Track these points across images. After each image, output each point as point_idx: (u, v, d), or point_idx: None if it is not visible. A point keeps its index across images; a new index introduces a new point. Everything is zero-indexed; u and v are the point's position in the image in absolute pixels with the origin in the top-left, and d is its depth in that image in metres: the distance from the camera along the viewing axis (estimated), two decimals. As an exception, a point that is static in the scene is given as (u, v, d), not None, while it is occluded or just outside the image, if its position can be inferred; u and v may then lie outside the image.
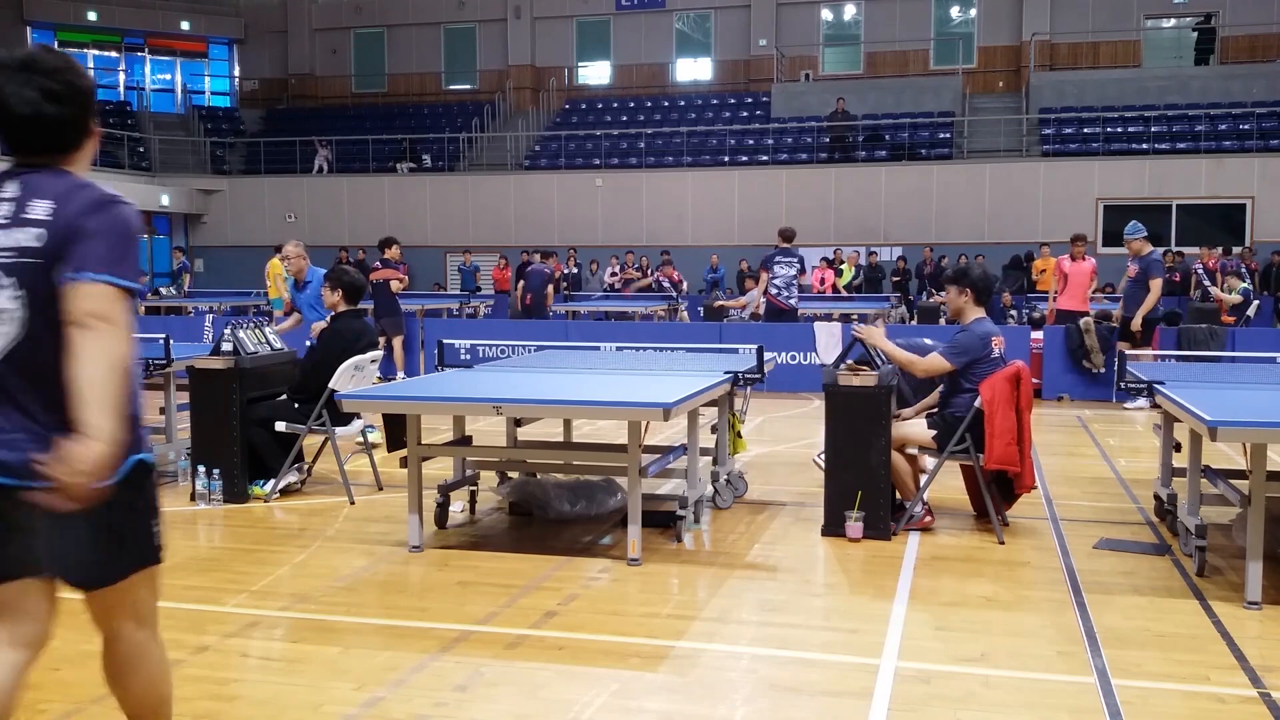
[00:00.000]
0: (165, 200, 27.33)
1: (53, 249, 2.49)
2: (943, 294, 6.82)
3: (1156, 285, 10.99)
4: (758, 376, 6.77)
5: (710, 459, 6.98)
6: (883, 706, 3.78)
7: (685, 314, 18.84)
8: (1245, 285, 16.68)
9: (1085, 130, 25.04)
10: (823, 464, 7.88)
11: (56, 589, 2.69)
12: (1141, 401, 8.55)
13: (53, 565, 2.60)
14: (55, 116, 2.66)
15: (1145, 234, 11.40)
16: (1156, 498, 6.54)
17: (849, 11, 29.83)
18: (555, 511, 6.46)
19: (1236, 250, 21.70)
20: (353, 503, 6.87)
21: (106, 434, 2.35)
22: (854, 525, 5.92)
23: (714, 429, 7.21)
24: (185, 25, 32.51)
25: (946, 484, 6.64)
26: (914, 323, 17.61)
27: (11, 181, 2.59)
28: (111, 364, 2.39)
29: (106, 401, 2.36)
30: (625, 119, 29.23)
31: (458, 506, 6.64)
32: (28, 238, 2.51)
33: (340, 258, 23.87)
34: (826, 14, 29.96)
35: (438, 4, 31.82)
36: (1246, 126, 24.02)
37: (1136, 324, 10.80)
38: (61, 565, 2.60)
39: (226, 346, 7.08)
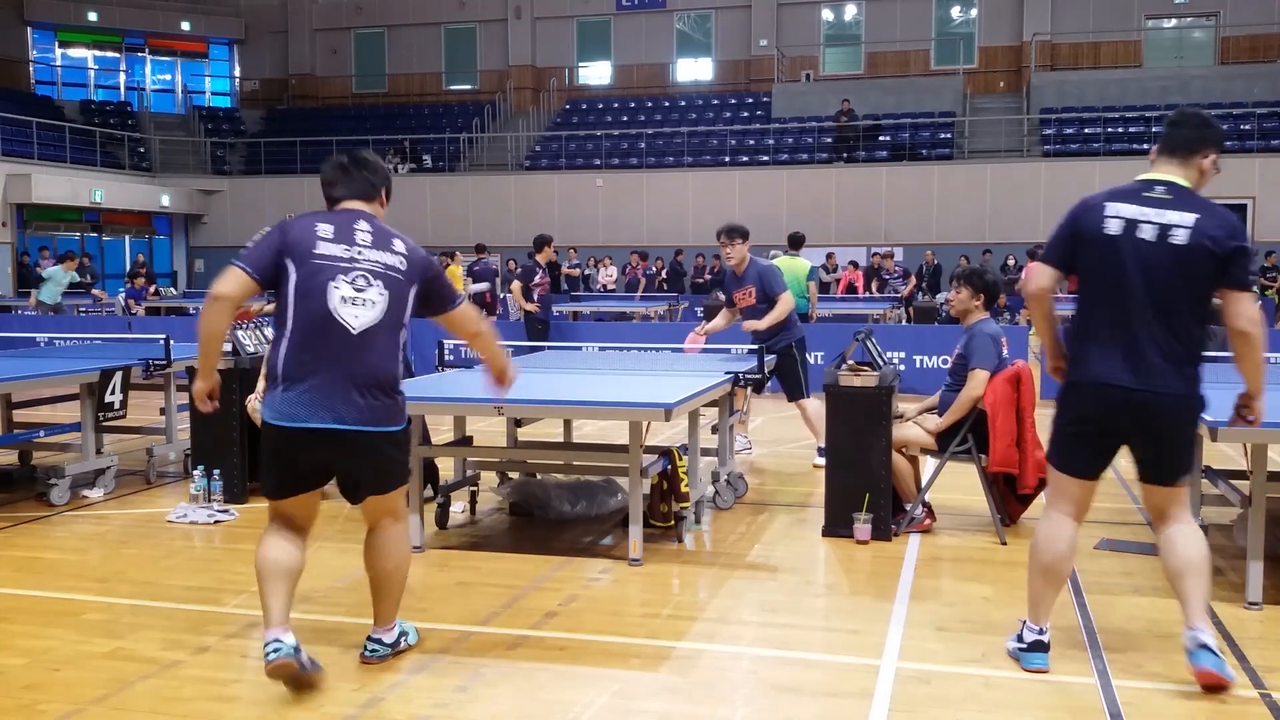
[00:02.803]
0: (165, 201, 27.34)
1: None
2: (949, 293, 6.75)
3: None
4: (758, 377, 6.76)
5: (711, 459, 6.98)
6: (883, 707, 3.78)
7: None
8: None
9: (1086, 130, 25.05)
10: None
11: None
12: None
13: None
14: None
15: None
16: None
17: (850, 11, 29.84)
18: (556, 512, 6.46)
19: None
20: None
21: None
22: (862, 527, 5.91)
23: (715, 429, 7.21)
24: (185, 25, 32.54)
25: (948, 485, 6.63)
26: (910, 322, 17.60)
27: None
28: None
29: None
30: (626, 119, 29.24)
31: (458, 507, 6.64)
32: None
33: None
34: (827, 14, 29.97)
35: (438, 4, 31.84)
36: (1247, 126, 24.02)
37: None
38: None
39: (226, 347, 7.07)
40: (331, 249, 3.77)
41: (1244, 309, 3.77)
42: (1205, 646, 3.85)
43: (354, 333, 3.71)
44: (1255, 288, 16.51)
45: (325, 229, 3.81)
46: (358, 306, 3.73)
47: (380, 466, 3.89)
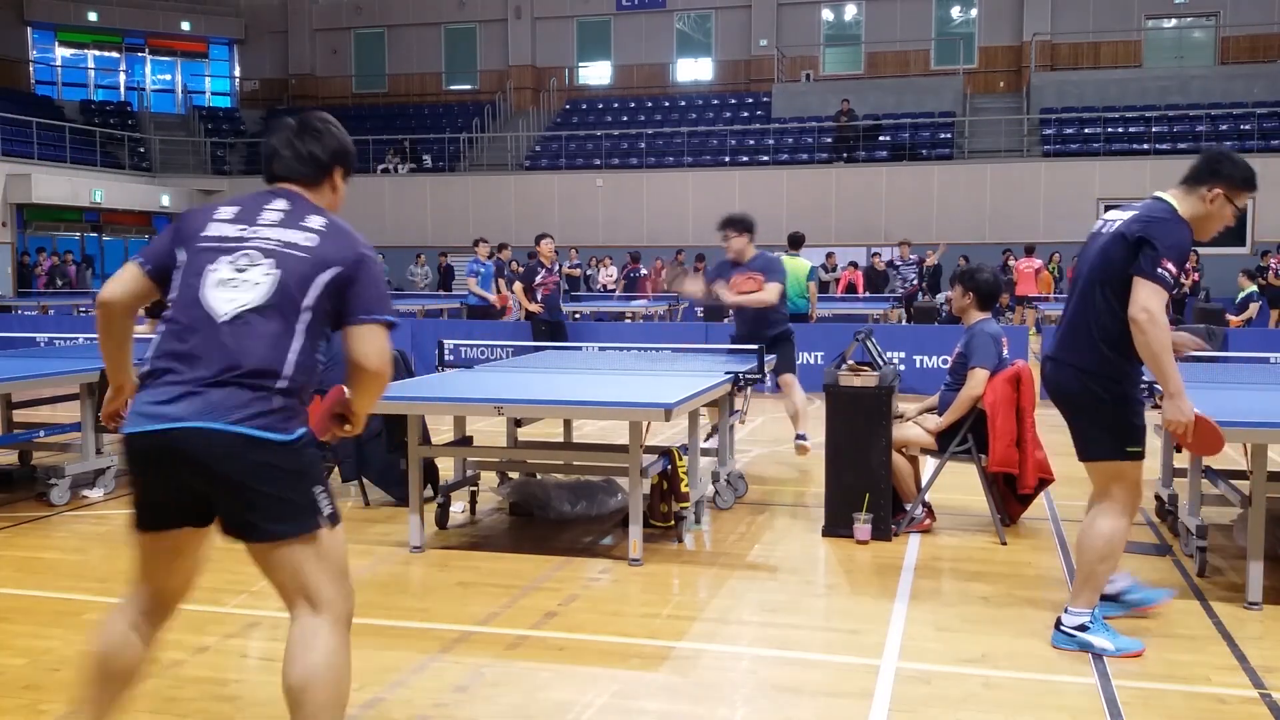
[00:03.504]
0: (165, 200, 27.34)
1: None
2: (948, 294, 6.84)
3: None
4: (758, 377, 6.76)
5: (711, 459, 6.98)
6: (883, 707, 3.78)
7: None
8: (1253, 288, 16.59)
9: (1086, 130, 25.06)
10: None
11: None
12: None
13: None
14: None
15: None
16: (1157, 498, 6.54)
17: (850, 11, 29.86)
18: (556, 512, 6.46)
19: (1241, 251, 21.69)
20: (367, 504, 6.87)
21: None
22: (862, 527, 5.91)
23: (715, 429, 7.21)
24: (185, 25, 32.57)
25: (948, 485, 6.63)
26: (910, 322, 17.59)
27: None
28: None
29: None
30: (626, 119, 29.25)
31: (458, 507, 6.64)
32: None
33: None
34: (827, 14, 29.98)
35: (438, 4, 31.86)
36: (1247, 126, 24.02)
37: None
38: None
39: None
40: (223, 229, 2.93)
41: (1138, 295, 4.00)
42: (1058, 625, 4.35)
43: (220, 319, 2.80)
44: (1256, 288, 16.41)
45: (226, 210, 2.99)
46: (233, 289, 2.84)
47: (255, 491, 2.80)
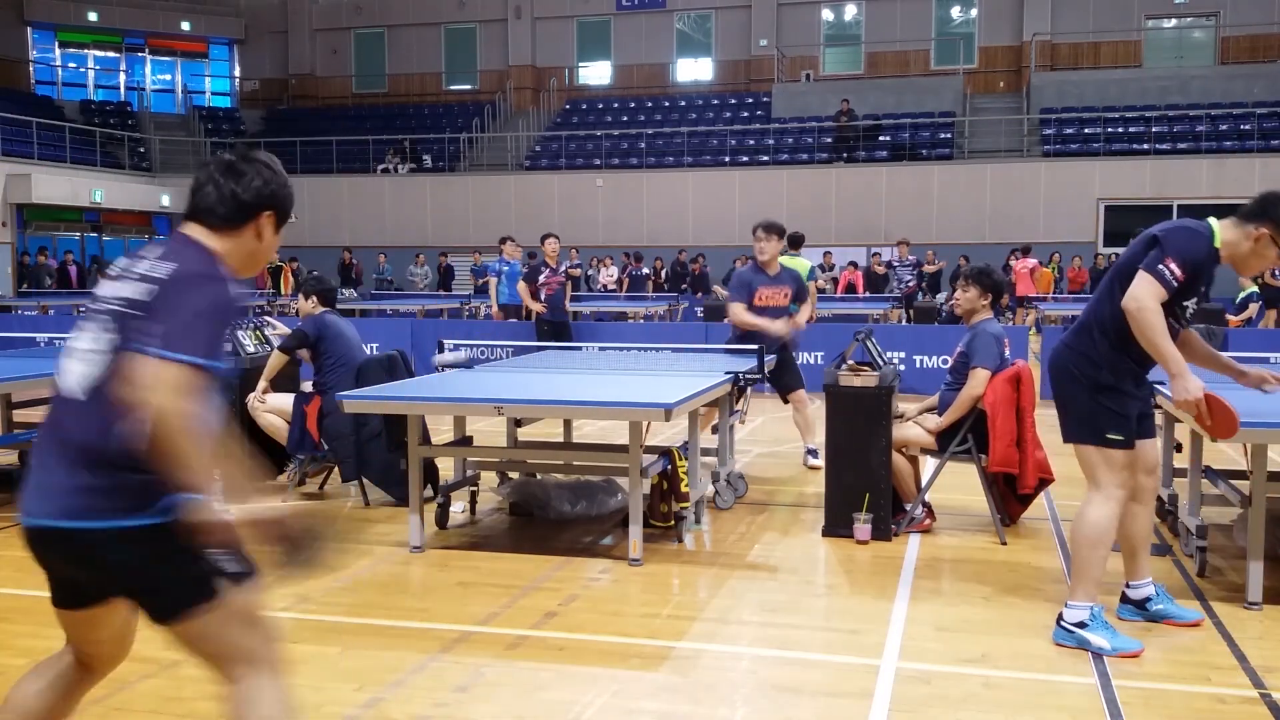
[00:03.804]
0: (165, 201, 27.34)
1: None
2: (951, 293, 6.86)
3: None
4: (758, 377, 6.76)
5: (711, 459, 6.99)
6: (883, 707, 3.78)
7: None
8: (1253, 288, 16.55)
9: (1086, 130, 25.05)
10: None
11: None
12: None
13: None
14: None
15: None
16: (1157, 498, 6.53)
17: (850, 11, 29.85)
18: (556, 512, 6.46)
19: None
20: (367, 504, 6.86)
21: None
22: (862, 527, 5.91)
23: (715, 429, 7.21)
24: (185, 25, 32.57)
25: (948, 485, 6.63)
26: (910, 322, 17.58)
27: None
28: None
29: None
30: (626, 119, 29.25)
31: (458, 507, 6.64)
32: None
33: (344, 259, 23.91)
34: (827, 14, 29.97)
35: (438, 4, 31.85)
36: (1247, 126, 24.02)
37: None
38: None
39: (226, 347, 7.06)
40: (100, 290, 2.64)
41: (1133, 286, 4.14)
42: (1060, 620, 4.39)
43: (75, 397, 2.54)
44: (1257, 288, 16.35)
45: (116, 266, 2.69)
46: (83, 362, 2.57)
47: (140, 580, 2.56)
